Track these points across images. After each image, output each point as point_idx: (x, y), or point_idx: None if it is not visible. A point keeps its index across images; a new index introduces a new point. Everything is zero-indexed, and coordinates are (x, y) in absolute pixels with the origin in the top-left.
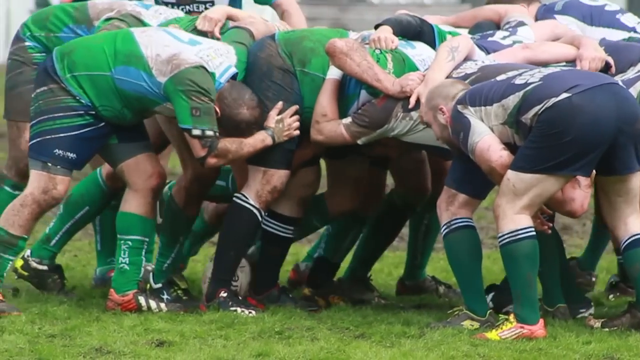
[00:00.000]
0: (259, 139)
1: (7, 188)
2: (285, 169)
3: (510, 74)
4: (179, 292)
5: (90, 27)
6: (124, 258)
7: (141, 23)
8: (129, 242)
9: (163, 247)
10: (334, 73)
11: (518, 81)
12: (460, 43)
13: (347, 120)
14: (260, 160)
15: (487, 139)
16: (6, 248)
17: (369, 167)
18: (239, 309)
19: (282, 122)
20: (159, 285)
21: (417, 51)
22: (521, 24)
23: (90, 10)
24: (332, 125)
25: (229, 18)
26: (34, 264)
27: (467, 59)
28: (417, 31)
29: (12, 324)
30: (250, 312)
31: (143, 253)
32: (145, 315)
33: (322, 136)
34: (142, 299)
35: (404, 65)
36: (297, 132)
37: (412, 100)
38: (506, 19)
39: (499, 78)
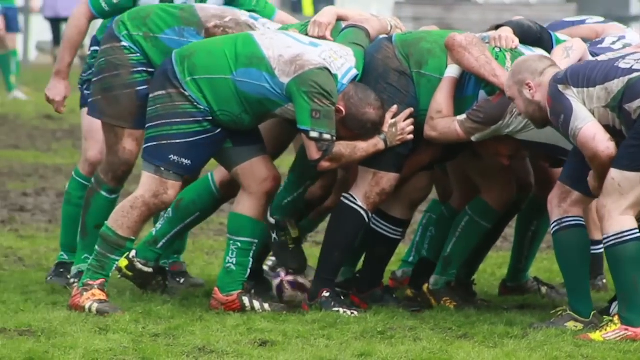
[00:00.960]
0: (372, 144)
1: (103, 193)
2: (395, 172)
3: (612, 55)
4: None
5: (201, 30)
6: (231, 258)
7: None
8: (238, 243)
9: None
10: (451, 71)
11: (622, 65)
12: (574, 44)
13: (462, 117)
14: (370, 162)
15: (591, 127)
16: (113, 249)
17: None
18: (341, 310)
19: (395, 127)
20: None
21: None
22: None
23: (200, 13)
24: (446, 122)
25: (339, 18)
26: (139, 266)
27: (581, 60)
28: (536, 37)
29: (117, 323)
30: (352, 313)
31: (251, 255)
32: (249, 315)
33: (435, 132)
34: (246, 300)
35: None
36: (411, 136)
37: None
38: (604, 35)
39: (600, 58)
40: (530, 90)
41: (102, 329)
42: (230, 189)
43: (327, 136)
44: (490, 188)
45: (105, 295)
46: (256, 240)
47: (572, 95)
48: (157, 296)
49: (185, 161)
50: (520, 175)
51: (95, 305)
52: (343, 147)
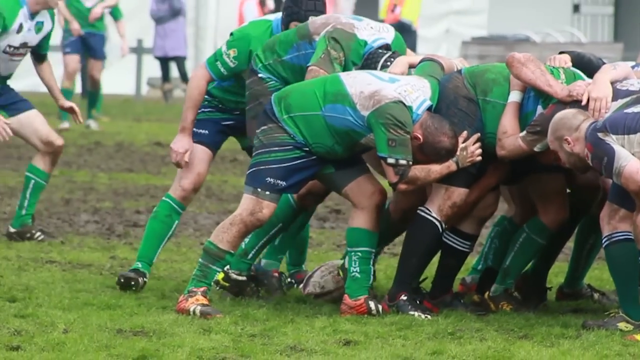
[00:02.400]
0: (445, 166)
1: None
2: (464, 188)
3: None
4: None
5: (311, 41)
6: (354, 267)
7: (354, 37)
8: (359, 254)
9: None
10: (513, 97)
11: None
12: (619, 63)
13: (523, 132)
14: (443, 179)
15: (634, 163)
16: (215, 260)
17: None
18: (416, 313)
19: (466, 150)
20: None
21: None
22: None
23: (310, 26)
24: (511, 140)
25: (411, 66)
26: (234, 276)
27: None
28: (594, 69)
29: (218, 325)
30: (426, 316)
31: (371, 262)
32: (334, 318)
33: (504, 151)
34: (372, 304)
35: (575, 80)
36: (479, 158)
37: (584, 99)
38: None
39: (629, 110)
40: (569, 145)
41: (206, 330)
42: (305, 201)
43: (402, 162)
44: (547, 210)
45: (208, 301)
46: (374, 249)
47: (612, 140)
48: (253, 301)
49: (281, 182)
50: (587, 177)
51: (199, 308)
52: (418, 171)
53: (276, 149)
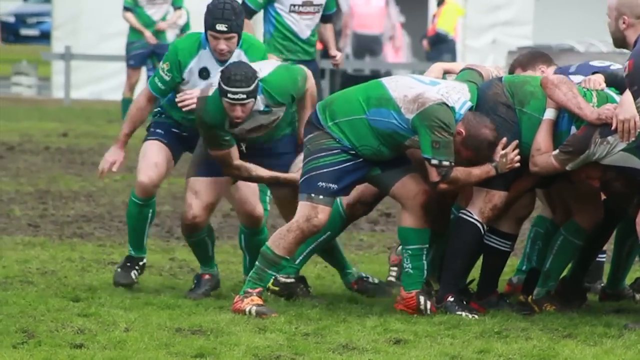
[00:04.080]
0: (485, 171)
1: None
2: (504, 191)
3: None
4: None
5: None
6: (407, 264)
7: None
8: (409, 251)
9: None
10: (549, 115)
11: None
12: None
13: (556, 151)
14: (483, 182)
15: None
16: (270, 265)
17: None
18: (463, 313)
19: (506, 157)
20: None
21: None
22: None
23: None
24: (544, 157)
25: (446, 72)
26: (282, 279)
27: None
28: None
29: (273, 324)
30: (473, 316)
31: (424, 258)
32: (385, 317)
33: (537, 167)
34: (421, 299)
35: (607, 102)
36: (518, 164)
37: (613, 123)
38: None
39: None
40: (623, 23)
41: (261, 329)
42: (355, 210)
43: (445, 163)
44: (582, 211)
45: (262, 301)
46: (425, 245)
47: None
48: (307, 301)
49: (333, 186)
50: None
51: (255, 308)
52: (460, 173)
53: (324, 154)
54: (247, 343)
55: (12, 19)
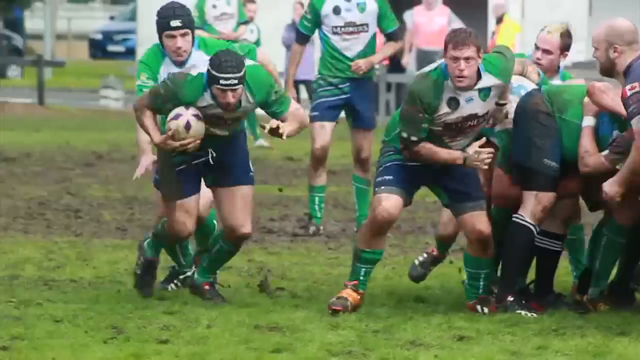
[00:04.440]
0: (453, 157)
1: None
2: (552, 192)
3: None
4: None
5: None
6: (466, 280)
7: None
8: (468, 271)
9: None
10: (588, 122)
11: None
12: None
13: (606, 152)
14: (532, 187)
15: None
16: (356, 259)
17: None
18: (523, 311)
19: (478, 154)
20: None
21: None
22: None
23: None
24: (595, 158)
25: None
26: None
27: None
28: None
29: (345, 322)
30: (532, 314)
31: (480, 280)
32: (450, 315)
33: (588, 168)
34: (478, 307)
35: None
36: (485, 167)
37: None
38: None
39: None
40: (614, 52)
41: (334, 326)
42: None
43: (404, 135)
44: (620, 210)
45: (354, 293)
46: (482, 271)
47: None
48: (376, 299)
49: (388, 177)
50: None
51: (333, 299)
52: (424, 149)
53: (381, 158)
54: (320, 339)
55: (99, 37)
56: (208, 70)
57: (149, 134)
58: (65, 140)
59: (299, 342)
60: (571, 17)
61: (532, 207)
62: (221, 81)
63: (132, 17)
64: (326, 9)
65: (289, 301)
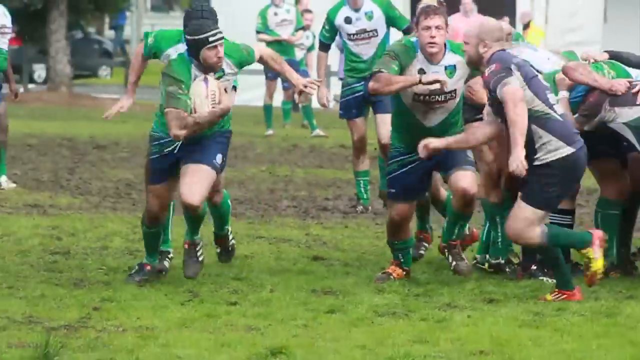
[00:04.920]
0: (410, 81)
1: None
2: None
3: None
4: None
5: None
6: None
7: None
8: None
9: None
10: (562, 94)
11: None
12: None
13: (576, 115)
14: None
15: (515, 85)
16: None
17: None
18: (545, 278)
19: (429, 80)
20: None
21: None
22: None
23: None
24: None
25: None
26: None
27: None
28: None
29: (390, 287)
30: (552, 281)
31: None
32: (481, 282)
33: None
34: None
35: (622, 72)
36: (434, 86)
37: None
38: None
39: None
40: (484, 47)
41: (380, 290)
42: None
43: (375, 69)
44: (606, 186)
45: (399, 269)
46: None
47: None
48: (417, 268)
49: (391, 190)
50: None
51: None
52: (383, 78)
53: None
54: (368, 302)
55: None
56: (190, 40)
57: (215, 117)
58: (148, 130)
59: (350, 304)
60: (588, 23)
61: None
62: (210, 38)
63: None
64: (339, 20)
65: (341, 269)
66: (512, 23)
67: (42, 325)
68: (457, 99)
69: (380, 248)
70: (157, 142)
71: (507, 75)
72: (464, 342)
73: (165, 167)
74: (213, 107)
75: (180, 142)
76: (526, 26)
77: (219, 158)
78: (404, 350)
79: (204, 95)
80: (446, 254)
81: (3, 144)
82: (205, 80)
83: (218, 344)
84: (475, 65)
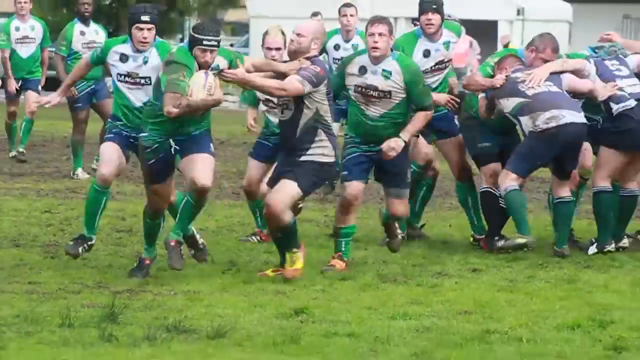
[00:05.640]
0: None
1: None
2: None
3: None
4: None
5: None
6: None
7: None
8: None
9: None
10: (481, 94)
11: None
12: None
13: (482, 109)
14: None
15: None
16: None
17: None
18: (501, 242)
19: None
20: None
21: None
22: None
23: None
24: (483, 111)
25: None
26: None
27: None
28: None
29: (392, 258)
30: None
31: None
32: (466, 254)
33: (483, 117)
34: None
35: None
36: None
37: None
38: None
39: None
40: (314, 45)
41: (384, 261)
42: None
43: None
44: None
45: (341, 261)
46: None
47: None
48: (414, 243)
49: (349, 169)
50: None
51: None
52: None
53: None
54: (375, 270)
55: None
56: (191, 35)
57: (208, 105)
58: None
59: (359, 273)
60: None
61: (490, 178)
62: (204, 42)
63: (246, 44)
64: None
65: (352, 244)
66: (494, 44)
67: (109, 289)
68: (393, 101)
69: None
70: (149, 149)
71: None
72: (452, 303)
73: (165, 167)
74: (208, 97)
75: (174, 145)
76: (505, 46)
77: (212, 147)
78: (403, 310)
79: (201, 85)
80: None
81: (80, 142)
82: (206, 73)
83: (252, 305)
84: (294, 57)
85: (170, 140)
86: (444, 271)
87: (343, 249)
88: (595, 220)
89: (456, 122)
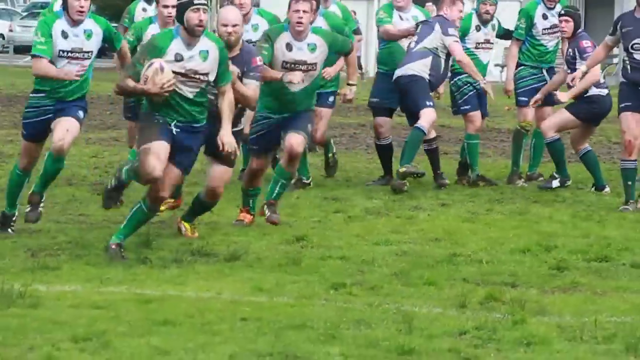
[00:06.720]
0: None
1: None
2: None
3: None
4: None
5: None
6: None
7: None
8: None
9: None
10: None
11: None
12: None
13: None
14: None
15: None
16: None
17: None
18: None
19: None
20: None
21: None
22: None
23: None
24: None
25: None
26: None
27: None
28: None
29: (377, 194)
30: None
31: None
32: (437, 192)
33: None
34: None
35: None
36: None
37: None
38: None
39: None
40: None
41: (369, 197)
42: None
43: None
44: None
45: (249, 214)
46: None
47: None
48: (397, 183)
49: (255, 145)
50: None
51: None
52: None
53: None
54: (362, 205)
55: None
56: (178, 5)
57: (135, 92)
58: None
59: (349, 206)
60: None
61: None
62: (195, 1)
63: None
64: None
65: (344, 183)
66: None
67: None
68: (317, 71)
69: (369, 169)
70: (157, 116)
71: None
72: (425, 232)
73: (168, 133)
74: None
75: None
76: None
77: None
78: (385, 237)
79: (152, 73)
80: (264, 209)
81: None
82: (162, 68)
83: (261, 234)
84: (234, 46)
85: (175, 122)
86: (419, 205)
87: (250, 205)
88: (554, 162)
89: None
